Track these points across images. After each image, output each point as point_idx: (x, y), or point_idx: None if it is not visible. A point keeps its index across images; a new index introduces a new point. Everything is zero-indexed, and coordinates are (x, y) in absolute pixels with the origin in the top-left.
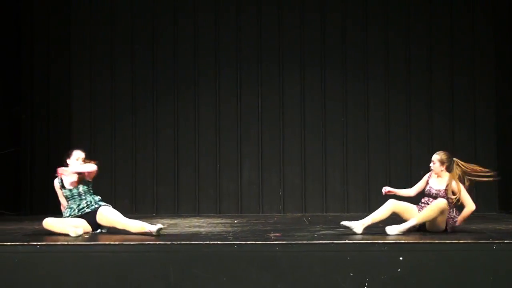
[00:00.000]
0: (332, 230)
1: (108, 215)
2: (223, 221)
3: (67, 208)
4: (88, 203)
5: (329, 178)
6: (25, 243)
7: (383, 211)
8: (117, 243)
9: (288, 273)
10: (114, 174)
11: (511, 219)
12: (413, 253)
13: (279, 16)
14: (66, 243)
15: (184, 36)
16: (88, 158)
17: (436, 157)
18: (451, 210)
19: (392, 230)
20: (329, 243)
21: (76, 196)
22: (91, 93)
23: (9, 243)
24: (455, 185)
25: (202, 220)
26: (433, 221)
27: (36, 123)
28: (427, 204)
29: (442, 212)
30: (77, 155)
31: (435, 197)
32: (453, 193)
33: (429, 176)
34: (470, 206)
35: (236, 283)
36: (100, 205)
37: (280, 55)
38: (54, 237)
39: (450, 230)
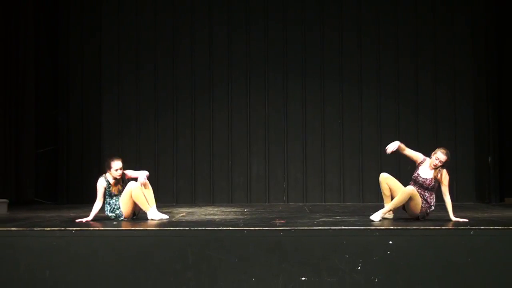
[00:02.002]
0: (330, 218)
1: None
2: (235, 209)
3: (107, 204)
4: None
5: (327, 173)
6: (62, 228)
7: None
8: (141, 228)
9: (291, 255)
10: (139, 168)
11: (486, 208)
12: (401, 238)
13: (284, 32)
14: (97, 228)
15: (201, 50)
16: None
17: (443, 158)
18: (429, 200)
19: (376, 216)
20: (327, 229)
21: (113, 199)
22: (119, 99)
23: (48, 229)
24: (445, 177)
25: (216, 209)
26: (406, 206)
27: (71, 125)
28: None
29: (411, 198)
30: (117, 165)
31: (421, 185)
32: (437, 181)
33: (422, 163)
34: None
35: (246, 263)
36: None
37: (284, 66)
38: (87, 224)
39: (422, 218)
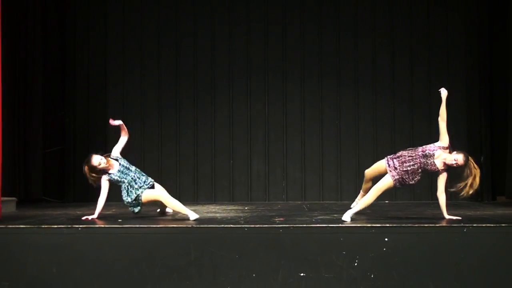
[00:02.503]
0: (327, 216)
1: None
2: (236, 207)
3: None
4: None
5: (325, 172)
6: (69, 226)
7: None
8: (145, 226)
9: (290, 251)
10: (143, 167)
11: (478, 206)
12: (397, 235)
13: (283, 34)
14: (103, 226)
15: (203, 51)
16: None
17: (461, 162)
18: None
19: (346, 216)
20: (325, 226)
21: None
22: (123, 100)
23: (55, 226)
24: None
25: (217, 207)
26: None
27: (77, 126)
28: (406, 162)
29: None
30: (96, 161)
31: (426, 163)
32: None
33: (443, 149)
34: (443, 197)
35: (246, 259)
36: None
37: (284, 67)
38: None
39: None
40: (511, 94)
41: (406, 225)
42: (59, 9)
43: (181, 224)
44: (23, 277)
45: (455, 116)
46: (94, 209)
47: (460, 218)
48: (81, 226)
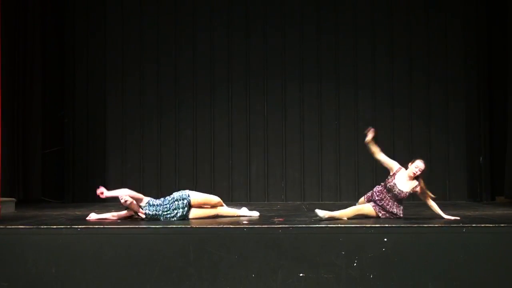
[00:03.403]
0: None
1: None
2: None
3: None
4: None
5: (324, 172)
6: (68, 226)
7: (348, 212)
8: (145, 226)
9: (289, 252)
10: (143, 168)
11: (478, 207)
12: (396, 235)
13: (282, 37)
14: (102, 226)
15: (202, 55)
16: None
17: (422, 166)
18: (394, 210)
19: (321, 212)
20: (324, 226)
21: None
22: (123, 102)
23: (54, 226)
24: (424, 192)
25: None
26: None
27: (76, 126)
28: (382, 200)
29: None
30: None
31: (395, 195)
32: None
33: (398, 172)
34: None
35: (246, 260)
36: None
37: (283, 69)
38: (92, 222)
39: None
40: (510, 96)
41: (405, 225)
42: (58, 10)
43: (181, 225)
44: (23, 278)
45: (454, 118)
46: (93, 209)
47: (458, 218)
48: (80, 226)
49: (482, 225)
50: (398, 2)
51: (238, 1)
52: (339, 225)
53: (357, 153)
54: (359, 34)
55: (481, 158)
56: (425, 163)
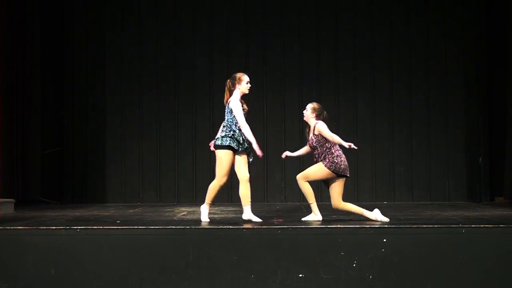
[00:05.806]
0: (325, 216)
1: None
2: (234, 208)
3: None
4: None
5: None
6: (67, 227)
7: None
8: (144, 227)
9: (288, 252)
10: (142, 170)
11: (477, 207)
12: (395, 236)
13: (282, 38)
14: (101, 227)
15: (202, 53)
16: None
17: (310, 105)
18: (330, 153)
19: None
20: (323, 227)
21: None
22: (122, 103)
23: (53, 227)
24: (323, 128)
25: (216, 208)
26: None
27: (76, 127)
28: (317, 154)
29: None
30: (247, 78)
31: (312, 146)
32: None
33: (307, 128)
34: (336, 138)
35: (245, 261)
36: None
37: (282, 71)
38: (91, 222)
39: (334, 170)
40: (509, 97)
41: (405, 226)
42: (58, 11)
43: (180, 225)
44: (22, 278)
45: (454, 119)
46: (93, 210)
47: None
48: (79, 227)
49: (481, 225)
50: (397, 2)
51: (238, 6)
52: (338, 226)
53: (356, 154)
54: (359, 34)
55: (480, 159)
56: (316, 103)
